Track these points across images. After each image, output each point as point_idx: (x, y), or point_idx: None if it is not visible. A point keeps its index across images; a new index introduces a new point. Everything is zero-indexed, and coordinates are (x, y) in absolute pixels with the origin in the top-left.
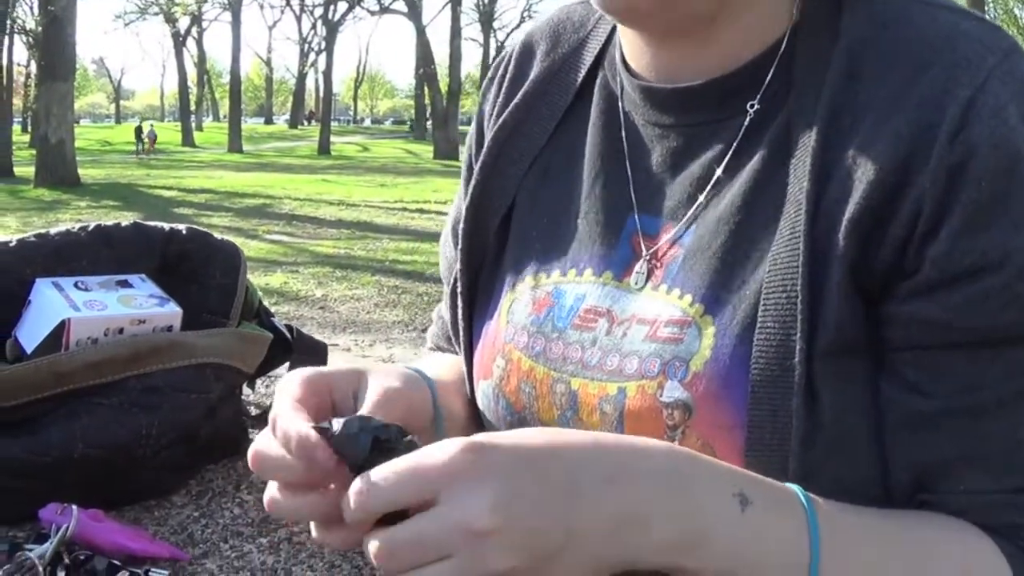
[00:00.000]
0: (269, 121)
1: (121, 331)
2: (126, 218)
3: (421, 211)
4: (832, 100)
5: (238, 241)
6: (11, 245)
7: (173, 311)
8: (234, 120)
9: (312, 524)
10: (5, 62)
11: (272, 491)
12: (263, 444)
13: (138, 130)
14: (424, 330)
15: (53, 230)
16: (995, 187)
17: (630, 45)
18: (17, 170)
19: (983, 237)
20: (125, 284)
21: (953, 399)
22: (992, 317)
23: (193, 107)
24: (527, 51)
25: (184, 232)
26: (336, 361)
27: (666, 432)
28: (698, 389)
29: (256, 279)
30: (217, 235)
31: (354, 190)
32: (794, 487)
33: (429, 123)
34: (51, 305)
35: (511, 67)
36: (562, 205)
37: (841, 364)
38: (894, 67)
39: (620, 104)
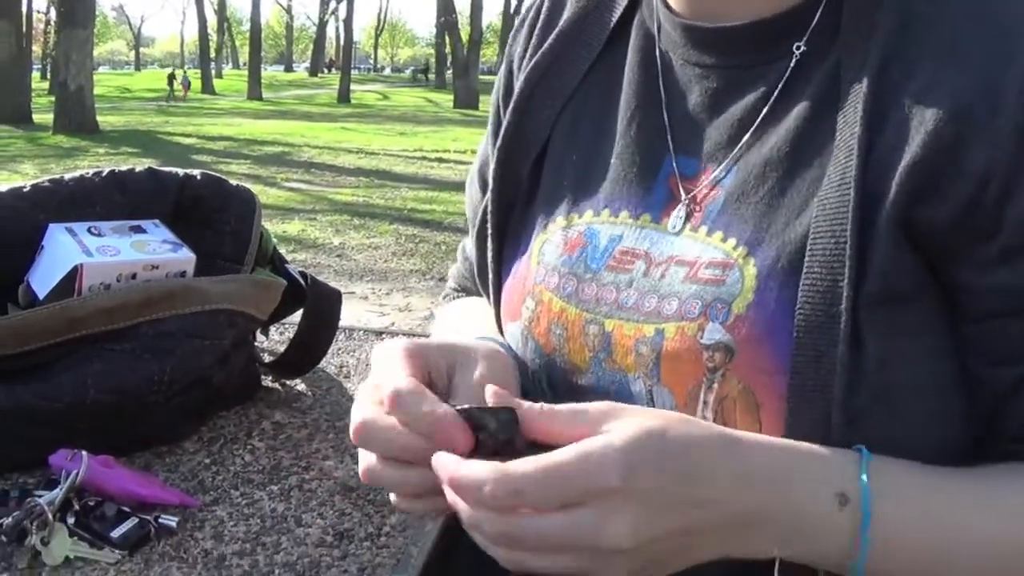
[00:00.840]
0: (289, 69)
1: (134, 276)
2: (145, 165)
3: (440, 160)
4: (885, 46)
5: (256, 189)
6: (25, 191)
7: (187, 256)
8: (254, 68)
9: (399, 494)
10: (25, 9)
11: (371, 461)
12: (371, 414)
13: (171, 77)
14: (442, 279)
15: (67, 176)
16: None
17: None
18: (36, 117)
19: None
20: (139, 230)
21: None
22: None
23: (213, 55)
24: None
25: (199, 178)
26: (353, 309)
27: (705, 374)
28: (740, 332)
29: (273, 227)
30: (233, 182)
31: (373, 139)
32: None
33: (450, 72)
34: (64, 250)
35: (543, 11)
36: (596, 146)
37: (888, 313)
38: (950, 17)
39: (658, 43)
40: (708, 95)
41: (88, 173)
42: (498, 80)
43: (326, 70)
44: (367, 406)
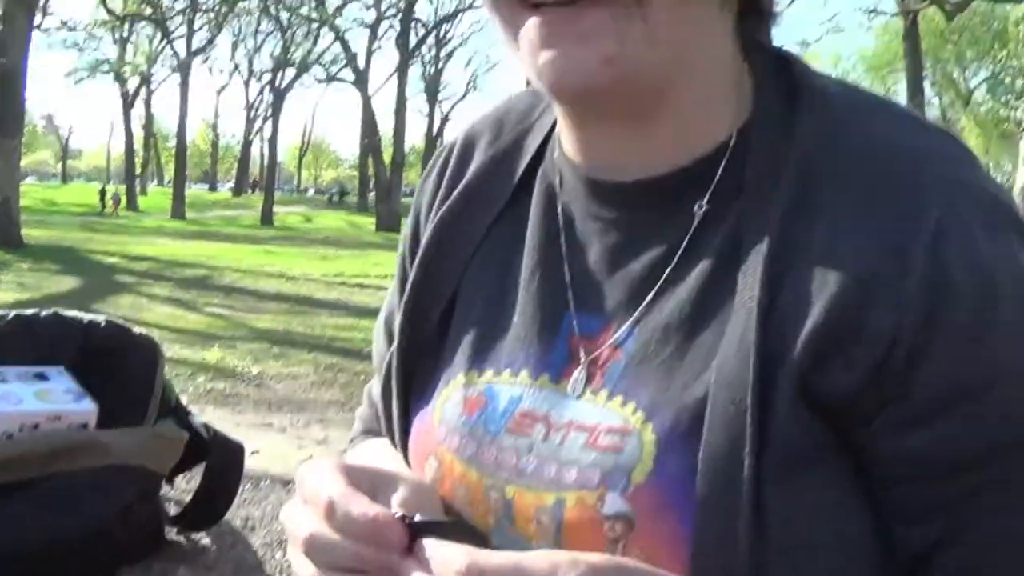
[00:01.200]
0: (213, 188)
1: (37, 426)
2: (67, 283)
3: (361, 285)
4: (787, 204)
5: (177, 313)
6: None
7: (89, 408)
8: (178, 186)
9: None
10: None
11: (311, 572)
12: (316, 527)
13: (102, 192)
14: None
15: None
16: (977, 306)
17: (573, 136)
18: None
19: (972, 358)
20: (42, 377)
21: (963, 530)
22: (991, 436)
23: (139, 170)
24: (468, 144)
25: (103, 325)
26: (272, 441)
27: (607, 545)
28: (640, 502)
29: (193, 353)
30: (153, 316)
31: (295, 262)
32: None
33: (372, 195)
34: None
35: (451, 161)
36: (500, 301)
37: (793, 475)
38: (853, 179)
39: (559, 196)
40: (609, 251)
41: None
42: (405, 229)
43: (250, 190)
44: (309, 519)
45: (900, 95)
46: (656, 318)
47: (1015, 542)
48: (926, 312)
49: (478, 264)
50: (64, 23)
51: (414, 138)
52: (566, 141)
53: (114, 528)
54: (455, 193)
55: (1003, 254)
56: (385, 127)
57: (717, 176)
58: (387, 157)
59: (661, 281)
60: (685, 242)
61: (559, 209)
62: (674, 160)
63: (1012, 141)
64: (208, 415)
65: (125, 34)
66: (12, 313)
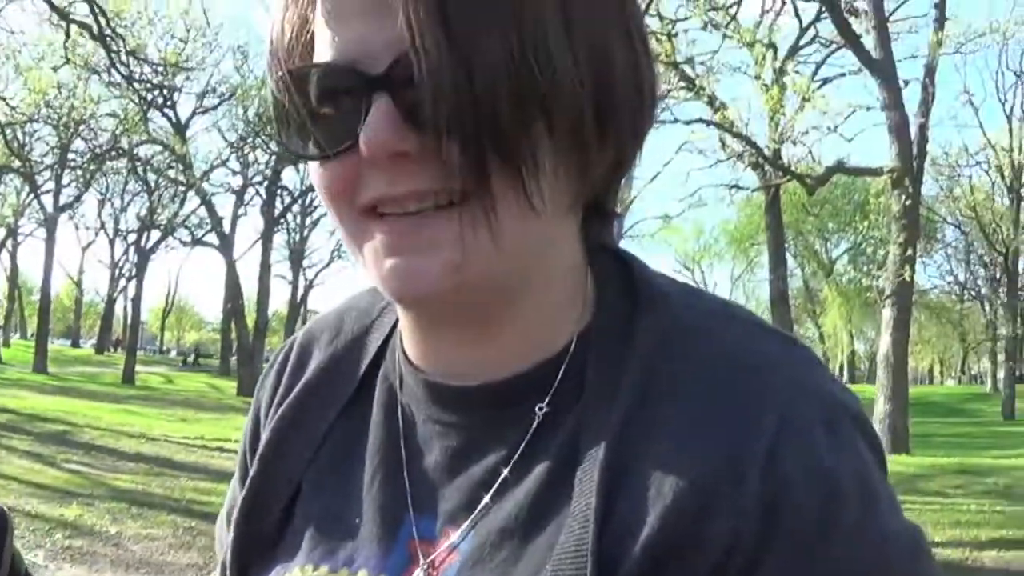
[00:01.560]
0: (76, 344)
1: None
2: None
3: (221, 449)
4: (627, 409)
5: (35, 467)
6: None
7: None
8: (41, 340)
9: None
10: None
11: None
12: None
13: None
14: None
15: None
16: (816, 514)
17: (414, 339)
18: None
19: (811, 564)
20: None
21: None
22: None
23: (1, 322)
24: (308, 342)
25: None
26: None
27: None
28: None
29: (51, 510)
30: (11, 469)
31: (155, 423)
32: None
33: (235, 359)
34: None
35: (291, 358)
36: (341, 500)
37: None
38: (692, 385)
39: (399, 398)
40: (448, 454)
41: None
42: (246, 425)
43: (112, 348)
44: None
45: (763, 266)
46: (492, 521)
47: None
48: (763, 520)
49: (318, 465)
50: None
51: (278, 303)
52: (408, 343)
53: None
54: (295, 391)
55: (844, 454)
56: (249, 291)
57: (558, 379)
58: (250, 321)
59: (499, 483)
60: (523, 444)
61: (399, 411)
62: (516, 365)
63: (874, 309)
64: (65, 573)
65: None
66: None
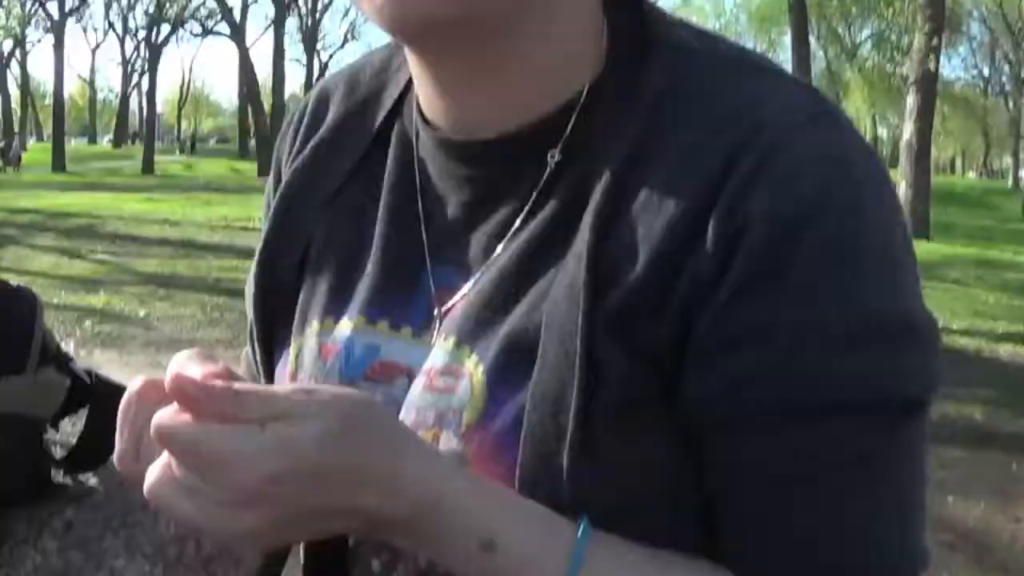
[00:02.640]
0: (93, 141)
1: None
2: None
3: (245, 228)
4: (627, 157)
5: (61, 261)
6: None
7: None
8: (57, 140)
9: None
10: None
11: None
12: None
13: (4, 148)
14: None
15: None
16: (769, 257)
17: (425, 92)
18: None
19: (748, 309)
20: None
21: (731, 481)
22: (766, 392)
23: (17, 128)
24: (323, 98)
25: None
26: None
27: None
28: (473, 444)
29: (79, 298)
30: (38, 265)
31: (178, 208)
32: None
33: (253, 142)
34: None
35: (306, 115)
36: (356, 250)
37: (625, 421)
38: (690, 128)
39: (416, 153)
40: (464, 207)
41: None
42: (268, 185)
43: (130, 142)
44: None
45: (785, 47)
46: (500, 266)
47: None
48: (719, 263)
49: (332, 215)
50: None
51: (293, 86)
52: (421, 98)
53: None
54: (310, 144)
55: (847, 183)
56: (264, 77)
57: (569, 127)
58: (267, 105)
59: (511, 232)
60: (535, 193)
61: (415, 165)
62: (527, 115)
63: (898, 96)
64: (96, 357)
65: None
66: None
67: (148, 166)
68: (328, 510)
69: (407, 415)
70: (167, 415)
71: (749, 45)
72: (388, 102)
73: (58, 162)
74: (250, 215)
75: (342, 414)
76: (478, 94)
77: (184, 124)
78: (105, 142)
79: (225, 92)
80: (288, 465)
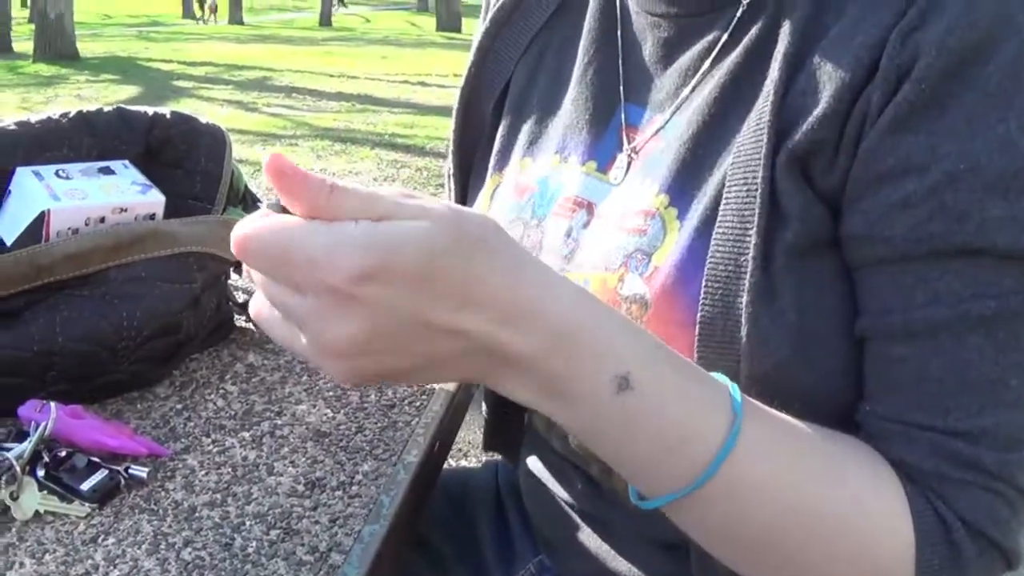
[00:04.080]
0: None
1: (103, 220)
2: (126, 92)
3: (422, 84)
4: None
5: (237, 114)
6: None
7: (156, 199)
8: None
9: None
10: None
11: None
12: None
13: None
14: None
15: (34, 118)
16: (935, 89)
17: None
18: (16, 46)
19: (910, 138)
20: (107, 171)
21: (878, 323)
22: (914, 228)
23: None
24: None
25: (168, 117)
26: None
27: None
28: (655, 284)
29: (254, 153)
30: (212, 117)
31: (355, 62)
32: (728, 384)
33: None
34: (31, 195)
35: None
36: (553, 90)
37: (806, 263)
38: None
39: None
40: (660, 44)
41: (55, 115)
42: (479, 23)
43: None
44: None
45: None
46: (693, 105)
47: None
48: (888, 92)
49: (532, 56)
50: None
51: None
52: None
53: (183, 315)
54: None
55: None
56: None
57: None
58: None
59: (702, 71)
60: (726, 34)
61: (616, 2)
62: None
63: None
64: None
65: None
66: (74, 111)
67: (326, 18)
68: (431, 327)
69: (593, 255)
70: (248, 222)
71: None
72: None
73: (235, 14)
74: (428, 71)
75: (452, 223)
76: None
77: None
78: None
79: None
80: (380, 260)
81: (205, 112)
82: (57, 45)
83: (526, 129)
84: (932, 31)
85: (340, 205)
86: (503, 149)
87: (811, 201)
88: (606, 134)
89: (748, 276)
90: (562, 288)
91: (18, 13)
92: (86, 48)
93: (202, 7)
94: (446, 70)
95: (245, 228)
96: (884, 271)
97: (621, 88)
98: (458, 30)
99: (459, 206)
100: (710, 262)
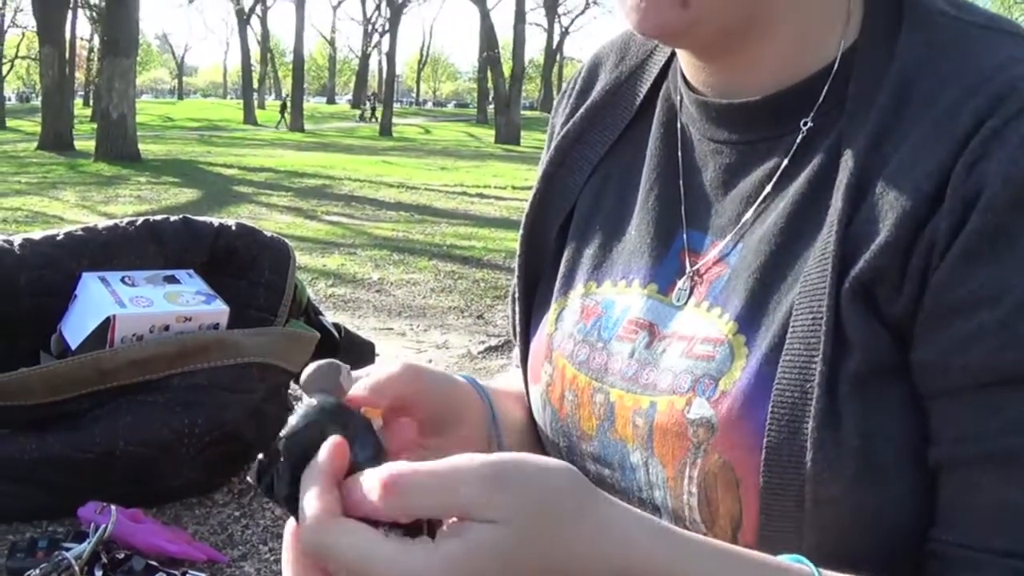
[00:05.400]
0: (332, 101)
1: (167, 328)
2: (186, 195)
3: (481, 195)
4: (879, 123)
5: (296, 222)
6: (59, 238)
7: (220, 309)
8: (296, 100)
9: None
10: (68, 36)
11: None
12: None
13: (283, 106)
14: (479, 316)
15: (101, 224)
16: (1002, 219)
17: (687, 60)
18: (78, 144)
19: (981, 270)
20: (172, 280)
21: (953, 451)
22: (988, 358)
23: (256, 85)
24: (596, 65)
25: (233, 228)
26: (391, 346)
27: (691, 449)
28: (722, 408)
29: (313, 260)
30: (272, 224)
31: (414, 172)
32: (808, 567)
33: (491, 107)
34: (97, 300)
35: (579, 81)
36: (619, 215)
37: (870, 388)
38: (942, 95)
39: (679, 117)
40: (721, 170)
41: (122, 222)
42: (545, 150)
43: (368, 103)
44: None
45: None
46: (756, 232)
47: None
48: (955, 222)
49: (599, 180)
50: None
51: (532, 51)
52: (684, 66)
53: (244, 425)
54: (581, 110)
55: None
56: (504, 39)
57: (822, 95)
58: (506, 70)
59: (763, 196)
60: (787, 160)
61: (678, 129)
62: (782, 81)
63: None
64: (328, 319)
65: None
66: (140, 219)
67: (386, 128)
68: None
69: (662, 379)
70: (314, 524)
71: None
72: (655, 69)
73: (296, 122)
74: (486, 182)
75: (529, 514)
76: (731, 69)
77: (423, 87)
78: (343, 102)
79: (464, 55)
80: None
81: (265, 218)
82: (119, 145)
83: (591, 254)
84: (996, 161)
85: (415, 499)
86: (568, 273)
87: (876, 329)
88: (667, 257)
89: (814, 403)
90: (636, 529)
91: (80, 111)
92: (147, 149)
93: (283, 113)
94: (504, 182)
95: (315, 534)
96: (958, 400)
97: (683, 213)
98: (517, 142)
99: (541, 474)
100: (777, 388)
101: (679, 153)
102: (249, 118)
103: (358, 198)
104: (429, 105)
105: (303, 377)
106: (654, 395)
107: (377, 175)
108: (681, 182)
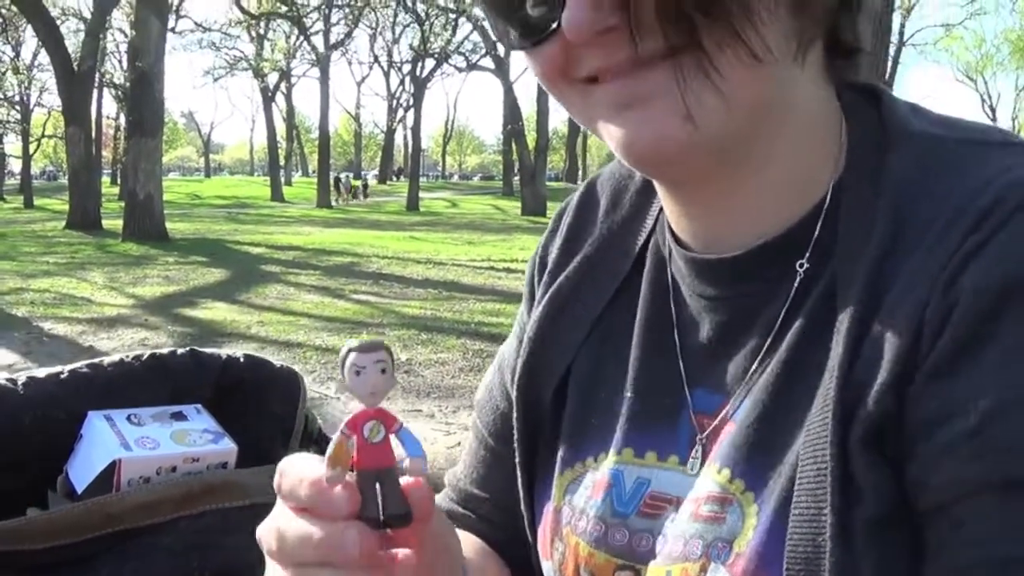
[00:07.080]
0: (358, 176)
1: (174, 469)
2: (213, 275)
3: (508, 270)
4: (875, 258)
5: (324, 301)
6: (63, 376)
7: (228, 448)
8: (323, 175)
9: None
10: (94, 115)
11: None
12: (281, 521)
13: (336, 180)
14: None
15: (106, 360)
16: (971, 331)
17: (673, 212)
18: (105, 223)
19: (949, 383)
20: (180, 416)
21: (932, 568)
22: (960, 469)
23: (282, 162)
24: (585, 203)
25: (241, 360)
26: (420, 428)
27: None
28: (738, 570)
29: (341, 340)
30: (300, 304)
31: (441, 247)
32: None
33: (517, 179)
34: (102, 442)
35: (569, 215)
36: (618, 378)
37: (887, 535)
38: (935, 221)
39: (668, 269)
40: (718, 328)
41: (128, 356)
42: (528, 274)
43: (395, 177)
44: (277, 515)
45: None
46: (759, 387)
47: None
48: (932, 340)
49: (596, 342)
50: (199, 24)
51: (556, 122)
52: (669, 217)
53: (255, 568)
54: (573, 263)
55: None
56: (528, 111)
57: (815, 234)
58: (531, 141)
59: (765, 349)
60: (785, 307)
61: (669, 284)
62: (770, 228)
63: None
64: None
65: (262, 31)
66: (147, 353)
67: (413, 203)
68: None
69: (673, 546)
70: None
71: (1012, 76)
72: (648, 222)
73: (323, 198)
74: (513, 256)
75: None
76: (720, 213)
77: (449, 160)
78: (370, 177)
79: (488, 127)
80: None
81: (293, 298)
82: (146, 225)
83: (592, 422)
84: (970, 273)
85: None
86: (573, 442)
87: (888, 472)
88: (679, 425)
89: (827, 555)
90: None
91: (108, 190)
92: (175, 228)
93: (338, 188)
94: (531, 255)
95: None
96: (945, 513)
97: (684, 374)
98: (543, 214)
99: None
100: (789, 543)
101: (671, 308)
102: (276, 195)
103: (386, 275)
104: (455, 178)
105: None
106: (670, 563)
107: (404, 251)
108: (678, 344)
